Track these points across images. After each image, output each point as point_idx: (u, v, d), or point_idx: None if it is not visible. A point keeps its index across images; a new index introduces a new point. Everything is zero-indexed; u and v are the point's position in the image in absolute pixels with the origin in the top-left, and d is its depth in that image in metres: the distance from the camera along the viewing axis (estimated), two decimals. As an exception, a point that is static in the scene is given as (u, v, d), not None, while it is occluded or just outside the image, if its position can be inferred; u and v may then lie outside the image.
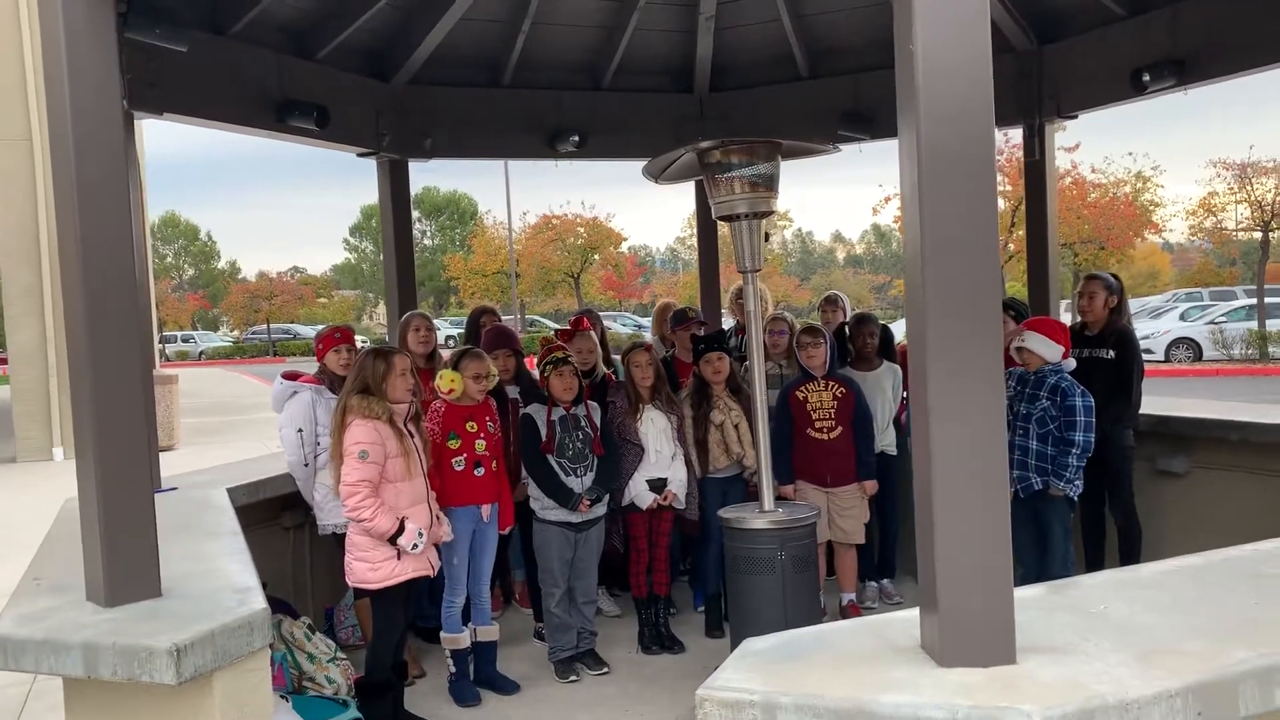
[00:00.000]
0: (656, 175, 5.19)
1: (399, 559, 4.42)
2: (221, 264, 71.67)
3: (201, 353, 48.65)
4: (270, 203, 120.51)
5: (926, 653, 2.26)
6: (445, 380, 4.85)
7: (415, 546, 4.39)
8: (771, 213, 4.87)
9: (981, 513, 2.18)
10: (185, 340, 51.19)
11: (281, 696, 3.93)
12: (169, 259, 68.53)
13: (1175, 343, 24.81)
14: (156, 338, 38.67)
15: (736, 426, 5.52)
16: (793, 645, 2.38)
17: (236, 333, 55.31)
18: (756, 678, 2.19)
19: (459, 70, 7.14)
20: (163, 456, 5.52)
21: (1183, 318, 26.42)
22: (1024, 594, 2.72)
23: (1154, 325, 26.00)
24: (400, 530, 4.37)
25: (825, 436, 5.57)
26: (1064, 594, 2.66)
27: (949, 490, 2.19)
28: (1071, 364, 5.16)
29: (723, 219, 4.85)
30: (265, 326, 49.48)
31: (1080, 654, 2.22)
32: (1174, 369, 23.17)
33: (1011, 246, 24.70)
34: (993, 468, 2.18)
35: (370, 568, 4.44)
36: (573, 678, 5.19)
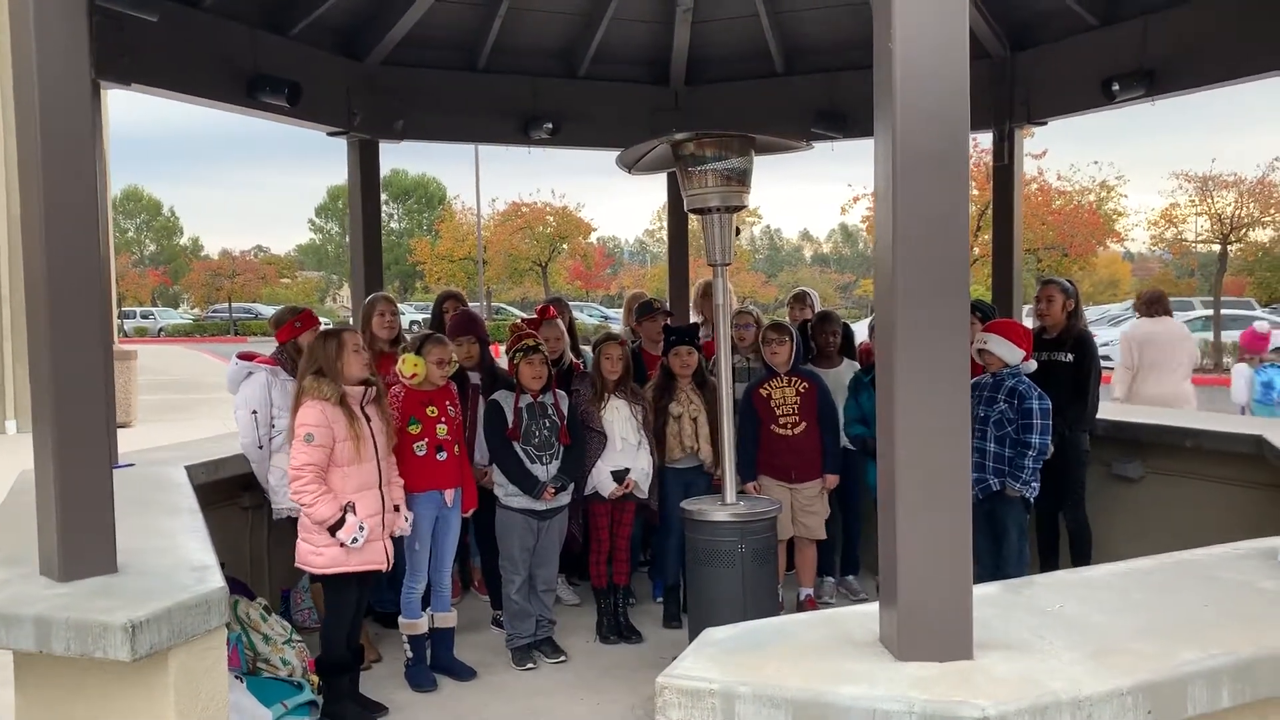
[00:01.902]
0: (630, 166, 5.19)
1: (345, 550, 4.39)
2: (184, 240, 70.70)
3: (161, 329, 47.94)
4: (236, 181, 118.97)
5: (885, 646, 2.28)
6: (408, 365, 4.82)
7: (355, 541, 4.34)
8: (743, 207, 4.89)
9: (943, 509, 2.20)
10: (145, 316, 50.40)
11: (236, 677, 3.89)
12: (130, 234, 67.54)
13: (1133, 351, 25.13)
14: (115, 313, 38.19)
15: (695, 420, 5.55)
16: (753, 636, 2.40)
17: (197, 310, 54.62)
18: (716, 667, 2.20)
19: (434, 52, 7.09)
20: (119, 433, 5.45)
21: (1142, 326, 26.75)
22: (981, 592, 2.75)
23: (1114, 332, 26.28)
24: (341, 522, 4.33)
25: (789, 432, 5.60)
26: (1020, 593, 2.69)
27: (911, 485, 2.21)
28: (1032, 366, 5.23)
29: (694, 212, 4.86)
30: (227, 305, 48.89)
31: (1035, 652, 2.25)
32: (1131, 376, 23.48)
33: (976, 250, 24.94)
34: (956, 463, 2.21)
35: (313, 550, 4.39)
36: (530, 665, 5.19)
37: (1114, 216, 31.45)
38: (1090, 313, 33.45)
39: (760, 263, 68.65)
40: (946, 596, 2.20)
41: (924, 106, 2.19)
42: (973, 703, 1.99)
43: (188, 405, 17.19)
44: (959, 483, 2.21)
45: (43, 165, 2.80)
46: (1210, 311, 25.85)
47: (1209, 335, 24.66)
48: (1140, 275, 51.93)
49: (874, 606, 2.41)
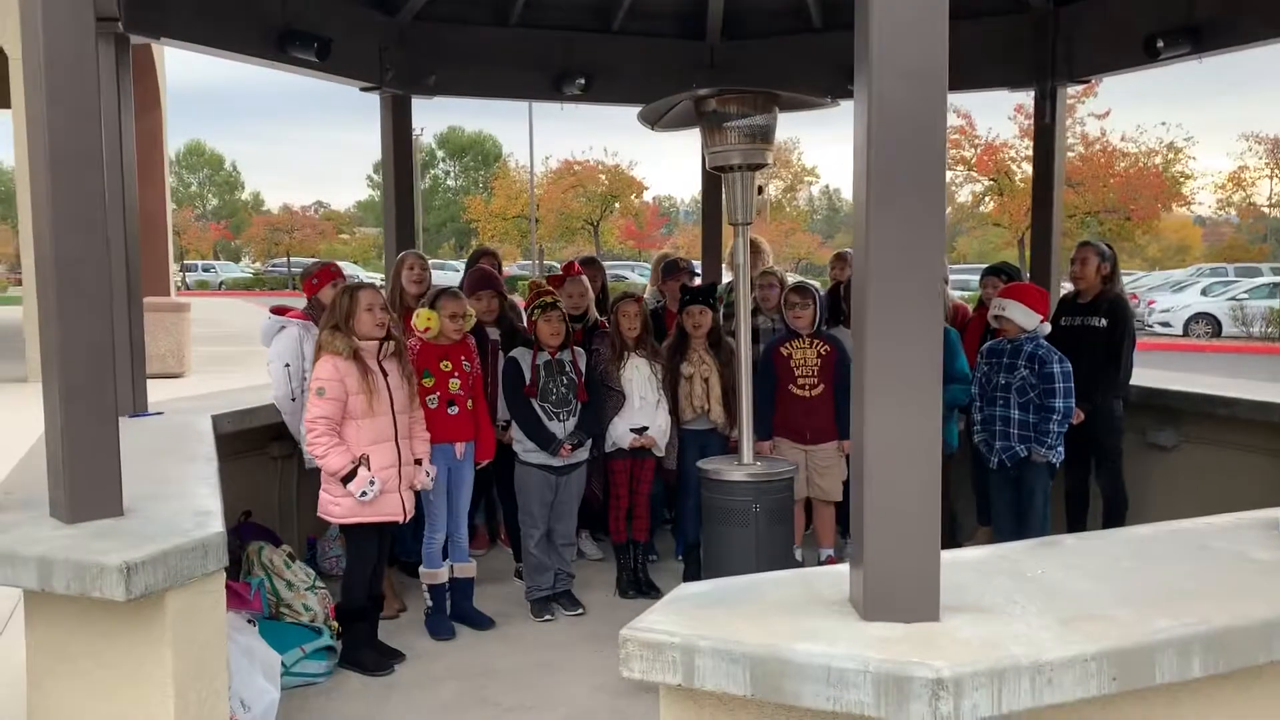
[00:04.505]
0: (653, 122, 5.15)
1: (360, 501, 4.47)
2: (245, 195, 71.76)
3: (221, 283, 48.86)
4: (299, 136, 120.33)
5: (853, 606, 2.28)
6: (421, 319, 4.87)
7: (364, 494, 4.42)
8: (765, 165, 4.83)
9: (913, 469, 2.18)
10: (206, 270, 51.40)
11: (249, 621, 4.00)
12: (193, 188, 68.69)
13: (1195, 318, 24.53)
14: (176, 266, 39.09)
15: (706, 380, 5.53)
16: (723, 592, 2.41)
17: (257, 265, 55.49)
18: (681, 621, 2.21)
19: (466, 6, 7.06)
20: (171, 383, 5.61)
21: (1204, 293, 26.09)
22: (967, 555, 2.74)
23: (1175, 299, 25.71)
24: (353, 475, 4.41)
25: (806, 394, 5.56)
26: (1005, 558, 2.67)
27: (881, 445, 2.19)
28: (1047, 329, 5.14)
29: (716, 170, 4.82)
30: (286, 259, 49.62)
31: (1004, 615, 2.24)
32: (1191, 344, 22.96)
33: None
34: (926, 425, 2.18)
35: (332, 500, 4.50)
36: (547, 617, 5.27)
37: (1180, 179, 30.53)
38: (1153, 278, 32.68)
39: (817, 224, 67.90)
40: (913, 558, 2.19)
41: (904, 65, 2.15)
42: (929, 663, 1.98)
43: (241, 357, 17.53)
44: (929, 443, 2.19)
45: (47, 117, 2.86)
46: (1279, 278, 25.10)
47: (1275, 302, 23.95)
48: (1210, 241, 50.51)
49: (847, 567, 2.41)
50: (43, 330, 2.97)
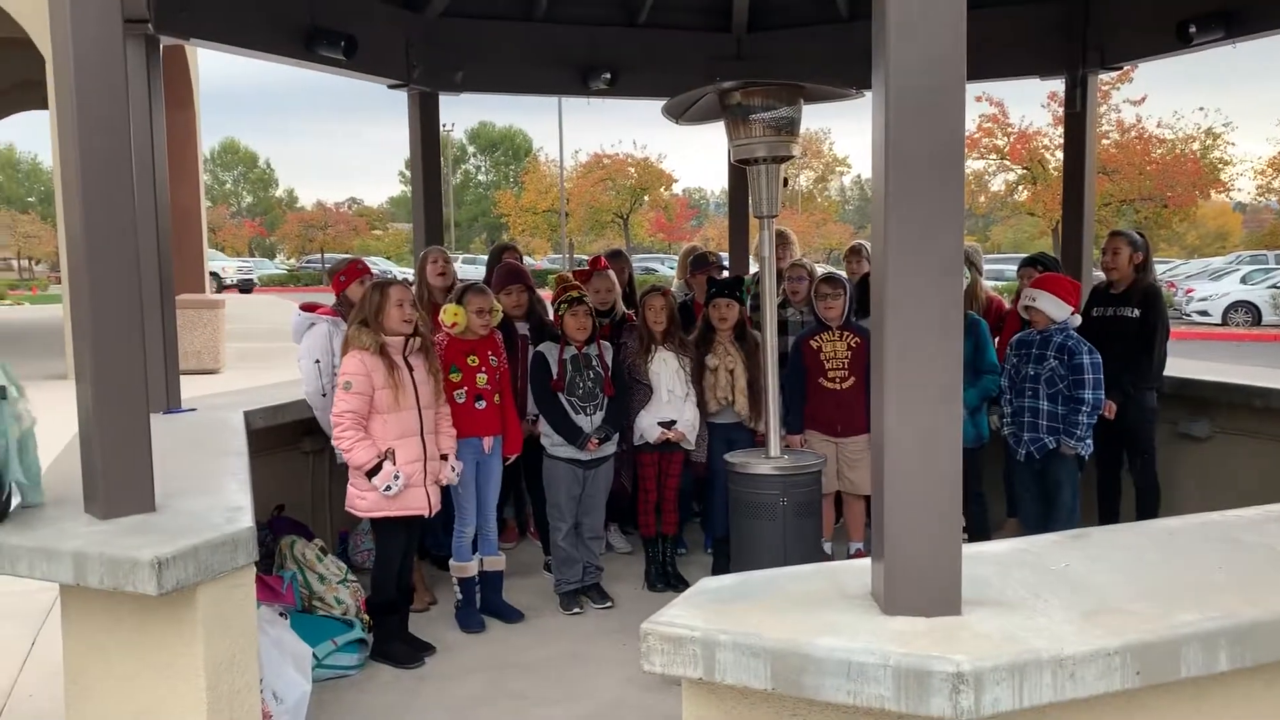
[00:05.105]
0: (678, 115, 5.15)
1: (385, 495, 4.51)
2: (279, 192, 72.40)
3: (255, 279, 49.22)
4: (332, 133, 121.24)
5: (875, 600, 2.28)
6: (448, 314, 4.91)
7: (389, 489, 4.46)
8: (791, 157, 4.81)
9: (934, 461, 2.17)
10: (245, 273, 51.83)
11: (281, 614, 4.05)
12: (227, 185, 69.40)
13: (1234, 306, 24.15)
14: (232, 266, 39.86)
15: (731, 372, 5.52)
16: (745, 586, 2.41)
17: (292, 261, 55.94)
18: (701, 615, 2.22)
19: (491, 2, 7.08)
20: (206, 379, 5.68)
21: (1244, 280, 25.68)
22: (989, 549, 2.73)
23: (1214, 287, 25.31)
24: (378, 469, 4.45)
25: (837, 386, 5.55)
26: (1028, 551, 2.65)
27: (902, 437, 2.19)
28: (1077, 320, 5.09)
29: (741, 163, 4.81)
30: (320, 256, 50.00)
31: (1026, 609, 2.22)
32: (1230, 333, 22.63)
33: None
34: (947, 417, 2.17)
35: (358, 495, 4.55)
36: (576, 610, 5.30)
37: (1218, 165, 30.04)
38: (1191, 266, 32.18)
39: (850, 214, 67.48)
40: (935, 551, 2.18)
41: (918, 51, 2.14)
42: (949, 658, 1.97)
43: (274, 353, 17.67)
44: (950, 435, 2.18)
45: (77, 116, 2.90)
46: (1320, 266, 24.69)
47: (1315, 291, 23.57)
48: (1250, 227, 49.70)
49: (870, 561, 2.40)
50: (76, 328, 3.03)
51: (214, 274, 39.30)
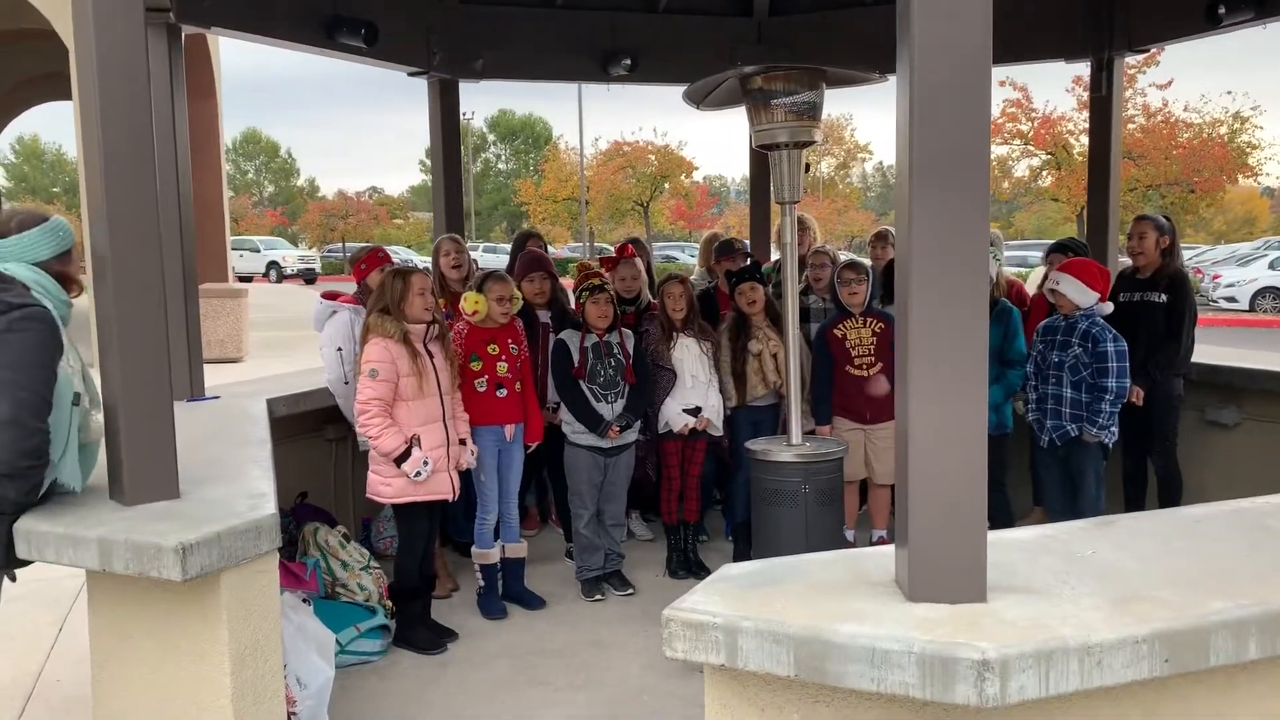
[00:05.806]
0: (698, 101, 5.12)
1: (412, 480, 4.53)
2: (301, 181, 72.71)
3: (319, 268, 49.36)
4: (353, 123, 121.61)
5: (898, 587, 2.26)
6: (469, 302, 4.91)
7: (418, 474, 4.48)
8: (813, 143, 4.77)
9: (959, 447, 2.15)
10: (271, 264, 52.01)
11: (304, 600, 4.07)
12: (249, 175, 69.75)
13: (1262, 292, 23.84)
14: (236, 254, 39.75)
15: (775, 355, 5.49)
16: (767, 573, 2.40)
17: (314, 250, 56.19)
18: (724, 602, 2.21)
19: (511, -11, 7.07)
20: (229, 368, 5.71)
21: (1272, 266, 25.31)
22: (1015, 535, 2.70)
23: (1241, 273, 24.98)
24: (407, 454, 4.46)
25: (864, 373, 5.52)
26: (1055, 538, 2.62)
27: (926, 423, 2.16)
28: (1108, 308, 5.03)
29: (763, 148, 4.77)
30: (341, 245, 50.20)
31: (1053, 596, 2.20)
32: (1258, 319, 22.37)
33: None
34: (972, 403, 2.15)
35: (382, 481, 4.57)
36: (598, 597, 5.31)
37: (1246, 150, 29.65)
38: (1218, 251, 31.80)
39: (871, 200, 67.11)
40: (959, 538, 2.16)
41: (943, 34, 2.11)
42: (974, 645, 1.96)
43: (297, 342, 17.79)
44: (975, 421, 2.15)
45: (100, 106, 2.91)
46: (1349, 252, 24.30)
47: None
48: (1279, 212, 49.08)
49: (894, 548, 2.38)
50: (99, 317, 3.04)
51: (274, 263, 39.28)
